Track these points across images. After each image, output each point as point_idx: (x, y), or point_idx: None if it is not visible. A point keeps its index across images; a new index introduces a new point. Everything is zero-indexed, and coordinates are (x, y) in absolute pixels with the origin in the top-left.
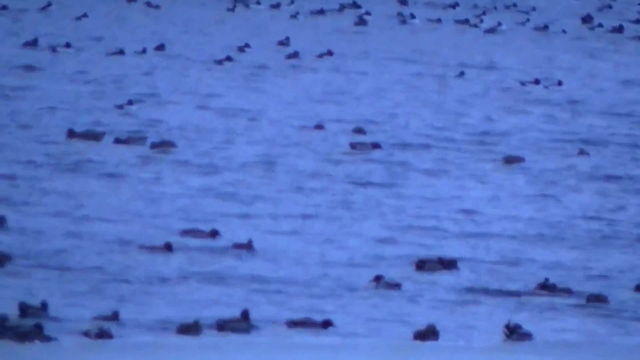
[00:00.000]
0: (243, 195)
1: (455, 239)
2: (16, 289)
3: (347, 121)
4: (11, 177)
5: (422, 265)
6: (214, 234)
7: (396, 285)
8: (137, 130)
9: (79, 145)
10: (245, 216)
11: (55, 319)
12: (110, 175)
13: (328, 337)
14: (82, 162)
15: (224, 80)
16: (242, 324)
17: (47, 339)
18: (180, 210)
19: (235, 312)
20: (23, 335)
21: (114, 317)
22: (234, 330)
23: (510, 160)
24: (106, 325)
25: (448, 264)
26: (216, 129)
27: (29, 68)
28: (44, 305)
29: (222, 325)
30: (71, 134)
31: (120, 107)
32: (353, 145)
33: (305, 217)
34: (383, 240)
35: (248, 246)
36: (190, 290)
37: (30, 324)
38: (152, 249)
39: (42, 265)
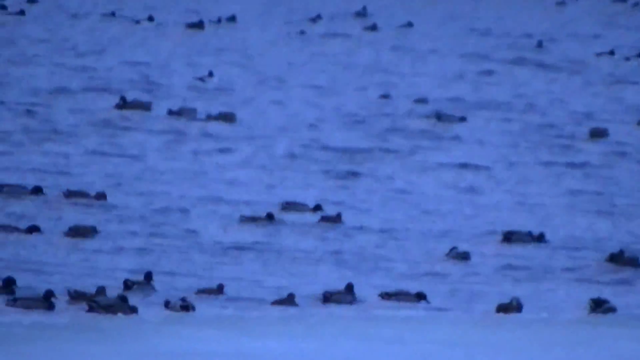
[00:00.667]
0: (312, 167)
1: (529, 214)
2: (118, 262)
3: (414, 94)
4: (70, 148)
5: (508, 237)
6: (316, 208)
7: (465, 256)
8: (204, 103)
9: (128, 113)
10: (318, 187)
11: (158, 292)
12: (181, 148)
13: (412, 310)
14: (134, 131)
15: (296, 53)
16: (347, 296)
17: (130, 311)
18: (258, 182)
19: (329, 286)
20: (107, 308)
21: (219, 290)
22: (339, 302)
23: (593, 134)
24: (210, 297)
25: (536, 238)
26: (282, 101)
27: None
28: (148, 277)
29: (328, 298)
30: (122, 103)
31: (198, 80)
32: (439, 117)
33: (384, 190)
34: (464, 214)
35: (336, 219)
36: (288, 263)
37: (129, 296)
38: (253, 219)
39: (140, 239)
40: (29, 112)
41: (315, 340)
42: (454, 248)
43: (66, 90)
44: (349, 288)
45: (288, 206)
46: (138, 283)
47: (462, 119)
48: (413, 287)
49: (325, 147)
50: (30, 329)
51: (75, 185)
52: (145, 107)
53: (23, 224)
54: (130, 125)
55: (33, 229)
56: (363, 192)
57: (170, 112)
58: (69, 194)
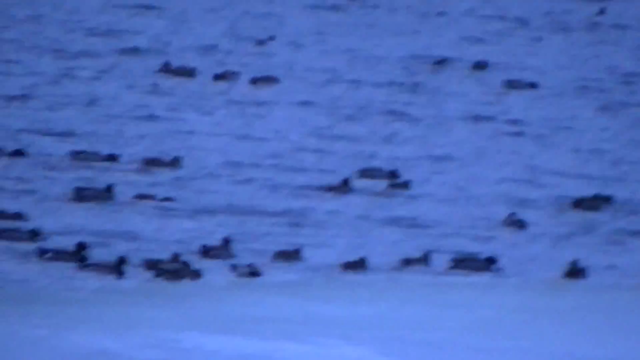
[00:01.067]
0: (366, 130)
1: (588, 179)
2: (192, 231)
3: (471, 59)
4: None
5: (578, 203)
6: (393, 174)
7: (519, 223)
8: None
9: (173, 80)
10: (376, 153)
11: (235, 258)
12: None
13: (478, 277)
14: (179, 96)
15: (342, 17)
16: (422, 263)
17: (196, 276)
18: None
19: (396, 251)
20: (173, 273)
21: (295, 255)
22: (414, 267)
23: None
24: (287, 262)
25: (603, 202)
26: (330, 67)
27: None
28: (226, 242)
29: (406, 263)
30: (166, 68)
31: (259, 43)
32: (509, 84)
33: (447, 156)
34: (525, 179)
35: (404, 186)
36: (363, 230)
37: (207, 262)
38: (329, 189)
39: (213, 209)
40: (72, 77)
41: (381, 305)
42: (512, 213)
43: (110, 54)
44: (425, 256)
45: (363, 172)
46: (216, 248)
47: (533, 85)
48: (478, 252)
49: (379, 112)
50: (97, 293)
51: (123, 151)
52: (190, 72)
53: (99, 191)
54: (175, 90)
55: (109, 195)
56: (421, 157)
57: (216, 77)
58: (144, 161)
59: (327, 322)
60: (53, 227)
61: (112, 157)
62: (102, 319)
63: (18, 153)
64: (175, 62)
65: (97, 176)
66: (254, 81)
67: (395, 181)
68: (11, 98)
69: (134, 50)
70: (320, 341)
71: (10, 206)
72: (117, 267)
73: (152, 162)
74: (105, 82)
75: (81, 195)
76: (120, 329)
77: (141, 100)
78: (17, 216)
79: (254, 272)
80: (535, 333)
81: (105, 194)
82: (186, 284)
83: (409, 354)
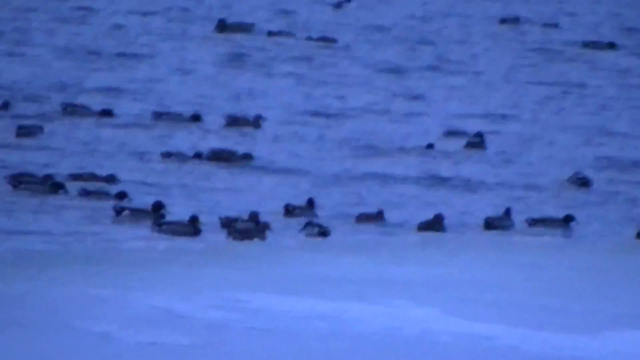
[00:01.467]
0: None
1: None
2: (276, 188)
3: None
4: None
5: None
6: (477, 135)
7: (583, 181)
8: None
9: (231, 37)
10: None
11: (322, 219)
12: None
13: (551, 238)
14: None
15: None
16: (506, 221)
17: (266, 236)
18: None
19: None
20: (244, 233)
21: (379, 217)
22: (500, 228)
23: None
24: (370, 223)
25: None
26: (385, 27)
27: None
28: (310, 202)
29: (489, 225)
30: (222, 26)
31: (335, 6)
32: (586, 44)
33: (506, 116)
34: (596, 139)
35: (479, 145)
36: (437, 190)
37: (289, 222)
38: (409, 150)
39: (292, 169)
40: (122, 32)
41: (454, 266)
42: (577, 172)
43: (162, 14)
44: (507, 213)
45: (448, 133)
46: (300, 208)
47: (611, 46)
48: (552, 213)
49: (444, 70)
50: (166, 253)
51: (200, 110)
52: (246, 29)
53: (186, 152)
54: (233, 48)
55: (195, 156)
56: (484, 116)
57: (270, 33)
58: (229, 121)
59: (398, 283)
60: (134, 186)
61: (196, 117)
62: (169, 280)
63: (106, 113)
64: (233, 20)
65: (179, 136)
66: (309, 39)
67: (473, 141)
68: (84, 56)
69: (188, 10)
70: (388, 302)
71: (97, 165)
72: (192, 226)
73: (234, 122)
74: (165, 40)
75: (165, 155)
76: (188, 289)
77: (201, 58)
78: (109, 178)
79: (323, 233)
80: (607, 294)
81: (194, 155)
82: (256, 244)
83: (476, 314)
